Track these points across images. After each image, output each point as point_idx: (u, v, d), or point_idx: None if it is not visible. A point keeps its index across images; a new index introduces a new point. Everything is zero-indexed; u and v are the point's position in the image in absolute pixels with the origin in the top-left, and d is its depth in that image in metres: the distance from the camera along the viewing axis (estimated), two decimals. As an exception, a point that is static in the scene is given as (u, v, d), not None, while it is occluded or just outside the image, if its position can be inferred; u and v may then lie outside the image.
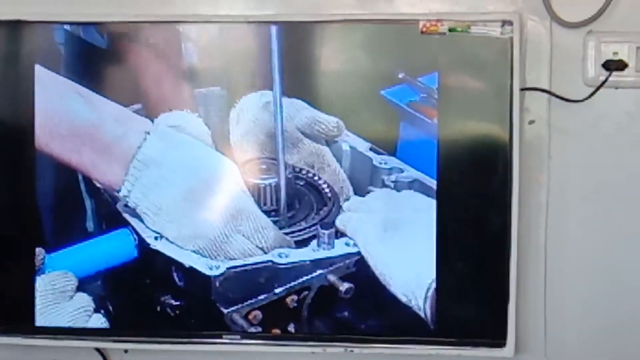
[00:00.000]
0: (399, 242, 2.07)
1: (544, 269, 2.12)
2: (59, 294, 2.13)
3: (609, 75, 2.06)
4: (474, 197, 2.07)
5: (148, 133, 2.09)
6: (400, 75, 2.04)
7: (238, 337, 2.12)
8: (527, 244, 2.10)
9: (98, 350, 2.22)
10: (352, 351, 2.13)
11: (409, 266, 2.07)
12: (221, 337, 2.13)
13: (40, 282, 2.13)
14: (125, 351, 2.23)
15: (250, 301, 2.10)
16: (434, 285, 2.06)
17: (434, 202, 2.05)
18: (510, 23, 2.02)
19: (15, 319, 2.18)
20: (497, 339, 2.08)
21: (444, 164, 2.05)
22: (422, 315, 2.07)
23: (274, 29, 2.05)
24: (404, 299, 2.06)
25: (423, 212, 2.06)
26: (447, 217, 2.06)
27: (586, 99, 2.07)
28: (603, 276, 2.13)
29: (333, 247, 2.08)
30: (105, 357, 2.23)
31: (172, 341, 2.16)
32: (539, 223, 2.11)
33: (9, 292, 2.17)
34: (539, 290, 2.13)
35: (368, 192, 2.08)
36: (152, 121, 2.09)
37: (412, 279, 2.06)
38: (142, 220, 2.10)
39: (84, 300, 2.14)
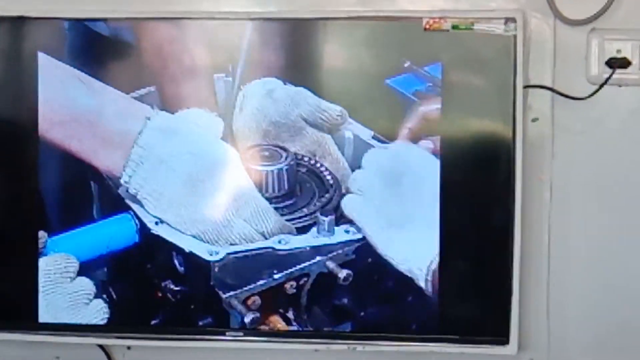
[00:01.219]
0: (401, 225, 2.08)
1: (547, 266, 2.12)
2: (60, 275, 2.13)
3: (613, 72, 2.06)
4: (477, 194, 2.07)
5: (148, 119, 2.09)
6: (405, 65, 2.05)
7: (241, 333, 2.12)
8: (530, 241, 2.09)
9: (101, 346, 2.22)
10: (355, 348, 2.13)
11: (409, 245, 2.07)
12: (224, 334, 2.13)
13: (42, 264, 2.13)
14: (128, 347, 2.23)
15: (249, 287, 2.10)
16: (436, 260, 2.06)
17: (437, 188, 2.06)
18: (514, 20, 2.02)
19: (17, 315, 2.18)
20: (500, 336, 2.07)
21: (447, 162, 2.05)
22: (424, 286, 2.07)
23: (249, 24, 2.07)
24: (405, 270, 2.07)
25: (425, 172, 2.07)
26: (449, 215, 2.06)
27: (589, 96, 2.07)
28: (606, 274, 2.12)
29: (333, 234, 2.08)
30: (108, 353, 2.23)
31: (174, 337, 2.16)
32: (542, 221, 2.11)
33: (11, 286, 2.17)
34: (541, 288, 2.12)
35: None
36: (152, 107, 2.09)
37: (413, 258, 2.07)
38: (142, 206, 2.10)
39: (85, 284, 2.14)
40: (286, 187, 2.10)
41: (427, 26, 2.04)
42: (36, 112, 2.11)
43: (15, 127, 2.14)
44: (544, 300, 2.13)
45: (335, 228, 2.08)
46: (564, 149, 2.11)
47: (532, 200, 2.09)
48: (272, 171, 2.09)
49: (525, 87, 2.06)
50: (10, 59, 2.13)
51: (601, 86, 2.06)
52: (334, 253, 2.08)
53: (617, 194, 2.11)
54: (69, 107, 2.11)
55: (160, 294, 2.14)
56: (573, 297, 2.14)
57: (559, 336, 2.14)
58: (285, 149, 2.10)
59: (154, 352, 2.21)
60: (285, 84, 2.08)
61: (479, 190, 2.08)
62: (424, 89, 2.05)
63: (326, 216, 2.08)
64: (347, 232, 2.09)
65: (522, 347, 2.10)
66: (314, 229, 2.09)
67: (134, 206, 2.10)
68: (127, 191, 2.10)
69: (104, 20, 2.10)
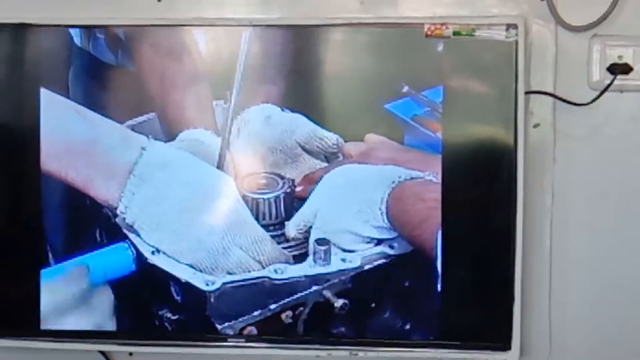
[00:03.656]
0: None
1: (548, 272, 2.12)
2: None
3: (614, 78, 2.06)
4: (479, 200, 2.07)
5: (144, 149, 2.08)
6: (404, 89, 2.04)
7: (242, 340, 2.12)
8: (531, 247, 2.09)
9: (103, 353, 2.22)
10: (356, 355, 2.13)
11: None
12: (226, 340, 2.13)
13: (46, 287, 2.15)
14: (130, 354, 2.23)
15: (245, 317, 2.10)
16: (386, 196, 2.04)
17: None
18: (515, 27, 2.01)
19: (19, 321, 2.18)
20: (501, 342, 2.08)
21: (448, 167, 2.05)
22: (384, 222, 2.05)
23: (246, 33, 2.06)
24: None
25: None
26: (451, 221, 2.06)
27: (591, 102, 2.06)
28: (608, 280, 2.13)
29: (329, 263, 2.07)
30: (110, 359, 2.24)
31: (176, 344, 2.16)
32: (543, 227, 2.11)
33: (13, 295, 2.17)
34: (543, 294, 2.12)
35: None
36: (148, 137, 2.09)
37: None
38: (139, 235, 2.10)
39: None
40: (283, 214, 2.10)
41: (429, 32, 2.03)
42: (38, 143, 2.10)
43: (17, 157, 2.14)
44: (545, 306, 2.13)
45: (332, 257, 2.07)
46: (566, 155, 2.11)
47: (533, 205, 2.09)
48: (269, 199, 2.08)
49: (527, 93, 2.05)
50: (10, 85, 2.13)
51: (602, 92, 2.06)
52: (331, 282, 2.07)
53: (618, 199, 2.11)
54: (65, 138, 2.10)
55: (157, 323, 2.14)
56: (574, 303, 2.14)
57: (561, 342, 2.14)
58: (282, 176, 2.09)
59: (156, 358, 2.21)
60: (282, 110, 2.08)
61: (480, 195, 2.07)
62: (422, 114, 2.04)
63: (322, 245, 2.07)
64: (343, 260, 2.07)
65: (524, 353, 2.10)
66: (310, 258, 2.08)
67: (130, 235, 2.10)
68: (124, 220, 2.09)
69: (103, 27, 2.10)
